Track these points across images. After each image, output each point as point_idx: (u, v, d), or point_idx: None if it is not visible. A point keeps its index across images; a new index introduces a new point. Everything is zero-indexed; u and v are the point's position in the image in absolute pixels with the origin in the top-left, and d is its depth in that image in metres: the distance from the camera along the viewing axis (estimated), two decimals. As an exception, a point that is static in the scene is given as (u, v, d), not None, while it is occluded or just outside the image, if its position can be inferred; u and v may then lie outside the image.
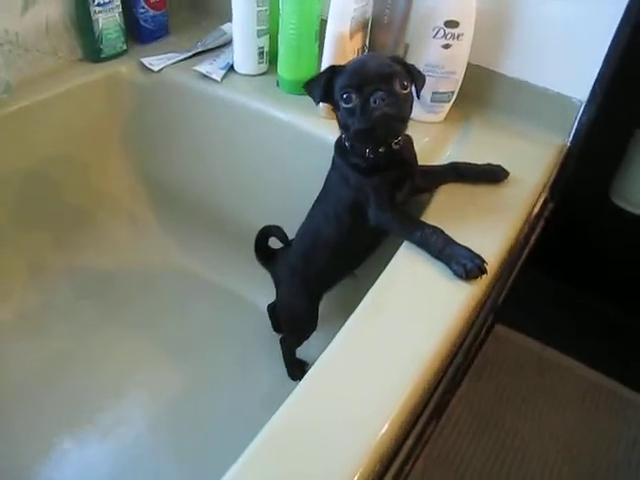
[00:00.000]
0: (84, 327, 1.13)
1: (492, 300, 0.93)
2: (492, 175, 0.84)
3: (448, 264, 0.69)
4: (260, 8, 1.02)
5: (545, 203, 0.99)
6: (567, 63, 0.92)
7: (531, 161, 0.92)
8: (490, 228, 0.78)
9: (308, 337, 0.99)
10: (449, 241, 0.70)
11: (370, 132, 0.71)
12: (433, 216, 0.78)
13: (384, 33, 0.91)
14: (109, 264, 1.24)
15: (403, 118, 0.72)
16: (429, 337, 0.63)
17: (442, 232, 0.71)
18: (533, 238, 1.03)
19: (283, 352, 1.06)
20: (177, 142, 1.19)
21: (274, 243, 1.01)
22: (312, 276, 0.91)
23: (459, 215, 0.78)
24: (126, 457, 0.96)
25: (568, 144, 0.97)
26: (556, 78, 0.94)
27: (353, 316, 0.65)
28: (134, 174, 1.26)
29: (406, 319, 0.66)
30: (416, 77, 0.74)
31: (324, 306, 0.98)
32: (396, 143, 0.74)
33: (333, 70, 0.73)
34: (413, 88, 0.74)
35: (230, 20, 1.06)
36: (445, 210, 0.80)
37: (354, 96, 0.69)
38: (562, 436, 1.21)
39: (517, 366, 1.29)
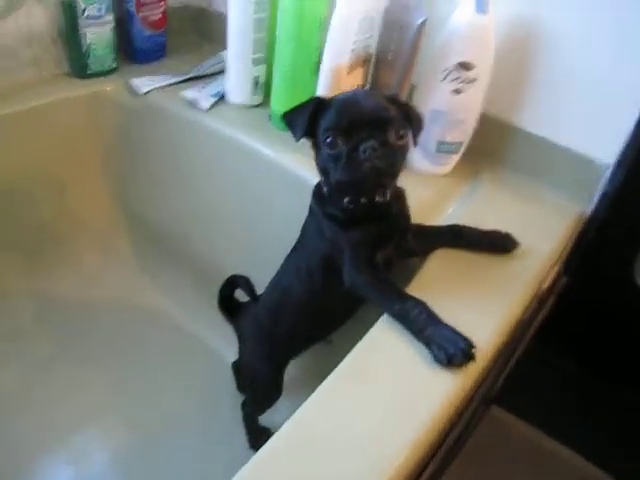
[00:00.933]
0: (39, 361, 1.04)
1: (487, 387, 0.80)
2: (498, 244, 0.72)
3: (428, 347, 0.57)
4: (257, 35, 0.93)
5: (558, 277, 0.87)
6: (594, 121, 0.81)
7: (544, 229, 0.80)
8: (489, 304, 0.66)
9: (271, 405, 0.87)
10: (432, 319, 0.58)
11: (355, 184, 0.60)
12: (421, 285, 0.66)
13: (387, 71, 0.81)
14: (75, 292, 1.15)
15: (395, 173, 0.62)
16: (409, 427, 0.52)
17: (425, 307, 0.59)
18: (541, 316, 0.91)
19: (243, 418, 0.93)
20: (158, 170, 1.10)
21: (241, 296, 0.90)
22: (279, 338, 0.80)
23: (453, 286, 0.67)
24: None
25: (589, 213, 0.86)
26: (580, 137, 0.83)
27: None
28: (113, 200, 1.18)
29: (380, 405, 0.54)
30: (415, 122, 0.63)
31: (295, 369, 0.87)
32: (381, 195, 0.63)
33: (319, 103, 0.62)
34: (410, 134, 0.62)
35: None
36: (437, 278, 0.68)
37: (340, 141, 0.59)
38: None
39: (510, 454, 1.15)
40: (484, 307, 0.65)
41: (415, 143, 0.63)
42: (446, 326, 0.57)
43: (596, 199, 0.84)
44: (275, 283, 0.79)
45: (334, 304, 0.72)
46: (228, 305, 0.90)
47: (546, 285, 0.80)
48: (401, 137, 0.59)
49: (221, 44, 1.08)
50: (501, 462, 1.15)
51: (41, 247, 1.12)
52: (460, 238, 0.71)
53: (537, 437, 1.17)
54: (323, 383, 0.56)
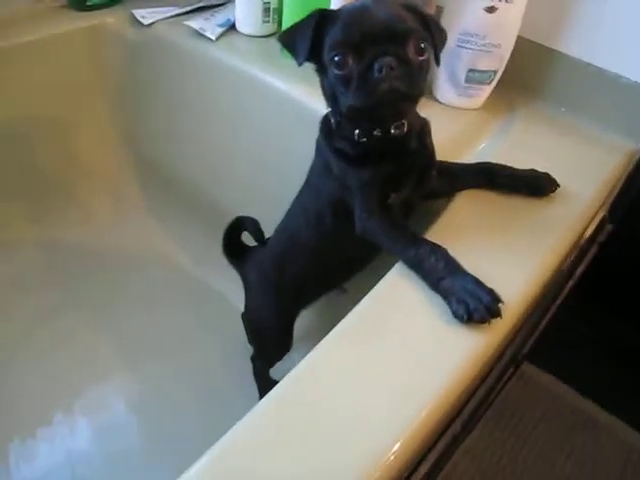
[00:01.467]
0: (45, 308, 1.00)
1: (517, 345, 0.72)
2: (534, 185, 0.62)
3: (446, 300, 0.49)
4: (268, -47, 0.83)
5: (602, 224, 0.77)
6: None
7: (589, 169, 0.70)
8: (522, 252, 0.58)
9: (280, 358, 0.81)
10: (451, 267, 0.50)
11: (369, 111, 0.51)
12: (444, 229, 0.58)
13: (411, -14, 0.70)
14: (83, 239, 1.11)
15: (416, 96, 0.52)
16: (426, 390, 0.45)
17: (445, 253, 0.51)
18: (582, 267, 0.81)
19: (254, 372, 0.88)
20: (166, 108, 1.04)
21: (250, 240, 0.83)
22: (285, 286, 0.74)
23: (481, 232, 0.59)
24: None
25: (640, 152, 0.75)
26: (634, 63, 0.71)
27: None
28: (119, 142, 1.12)
29: (391, 365, 0.47)
30: (436, 34, 0.53)
31: (307, 319, 0.82)
32: (396, 127, 0.54)
33: (322, 16, 0.52)
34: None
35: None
36: (463, 223, 0.60)
37: (351, 59, 0.49)
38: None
39: (544, 417, 1.07)
40: (516, 256, 0.57)
41: (437, 62, 0.54)
42: (468, 276, 0.50)
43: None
44: (282, 227, 0.72)
45: (345, 250, 0.65)
46: (234, 249, 0.83)
47: (589, 233, 0.71)
48: (422, 52, 0.50)
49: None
50: (531, 426, 1.08)
51: (46, 194, 1.08)
52: (491, 178, 0.62)
53: (574, 398, 1.09)
54: (326, 337, 0.49)
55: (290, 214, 0.70)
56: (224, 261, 0.85)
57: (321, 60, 0.53)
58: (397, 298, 0.52)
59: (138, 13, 0.97)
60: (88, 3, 0.98)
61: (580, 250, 0.72)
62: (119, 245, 1.11)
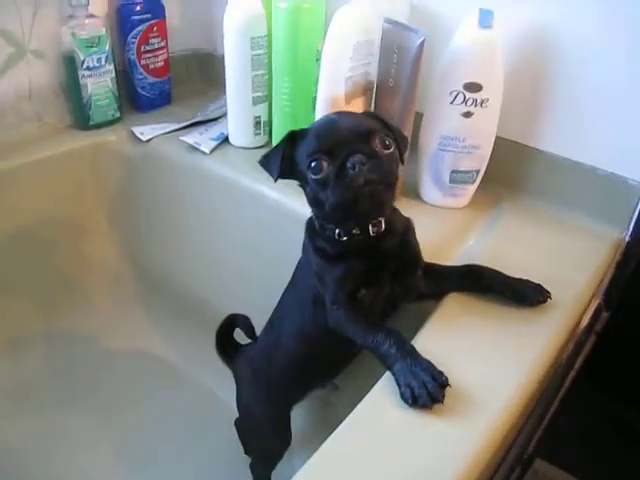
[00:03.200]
0: (49, 410, 0.99)
1: (523, 442, 0.70)
2: (522, 294, 0.61)
3: (397, 383, 0.51)
4: (256, 72, 0.89)
5: (598, 312, 0.77)
6: (623, 137, 0.73)
7: (578, 258, 0.71)
8: (517, 349, 0.57)
9: (281, 456, 0.79)
10: (404, 351, 0.52)
11: (351, 205, 0.54)
12: (432, 332, 0.59)
13: (390, 98, 0.75)
14: (86, 338, 1.10)
15: (390, 183, 0.55)
16: None
17: (398, 339, 0.53)
18: (580, 359, 0.81)
19: (254, 480, 0.85)
20: (163, 218, 1.07)
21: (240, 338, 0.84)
22: (276, 379, 0.74)
23: (472, 331, 0.59)
24: None
25: (627, 238, 0.76)
26: (608, 154, 0.75)
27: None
28: (119, 248, 1.14)
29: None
30: (397, 135, 0.57)
31: (303, 420, 0.82)
32: (374, 224, 0.57)
33: (293, 136, 0.58)
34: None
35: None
36: (452, 324, 0.60)
37: (325, 163, 0.53)
38: None
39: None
40: (510, 353, 0.57)
41: (402, 161, 0.57)
42: (418, 360, 0.51)
43: (633, 222, 0.75)
44: (269, 322, 0.75)
45: (328, 344, 0.65)
46: (227, 347, 0.85)
47: (585, 323, 0.71)
48: (387, 146, 0.54)
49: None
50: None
51: (54, 292, 1.09)
52: (479, 281, 0.62)
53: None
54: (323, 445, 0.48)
55: (277, 309, 0.73)
56: (221, 365, 0.85)
57: (297, 174, 0.58)
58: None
59: (137, 130, 1.02)
60: (91, 123, 1.03)
61: (577, 341, 0.72)
62: (118, 345, 1.11)
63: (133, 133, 1.02)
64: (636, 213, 0.74)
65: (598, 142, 0.75)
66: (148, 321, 1.13)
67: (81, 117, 1.03)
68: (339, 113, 0.58)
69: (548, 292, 0.61)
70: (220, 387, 0.99)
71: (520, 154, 0.81)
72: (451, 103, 0.73)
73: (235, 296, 0.97)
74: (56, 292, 1.09)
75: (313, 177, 0.54)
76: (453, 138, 0.75)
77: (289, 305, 0.70)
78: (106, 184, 1.07)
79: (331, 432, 0.49)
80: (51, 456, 0.92)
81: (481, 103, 0.72)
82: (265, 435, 0.80)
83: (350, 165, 0.52)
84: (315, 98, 0.80)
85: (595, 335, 0.80)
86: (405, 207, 0.63)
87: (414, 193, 0.83)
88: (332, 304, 0.58)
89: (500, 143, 0.78)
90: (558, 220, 0.78)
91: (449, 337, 0.57)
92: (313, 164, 0.54)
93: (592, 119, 0.75)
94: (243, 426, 0.84)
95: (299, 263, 0.68)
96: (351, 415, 0.50)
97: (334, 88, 0.71)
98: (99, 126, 1.04)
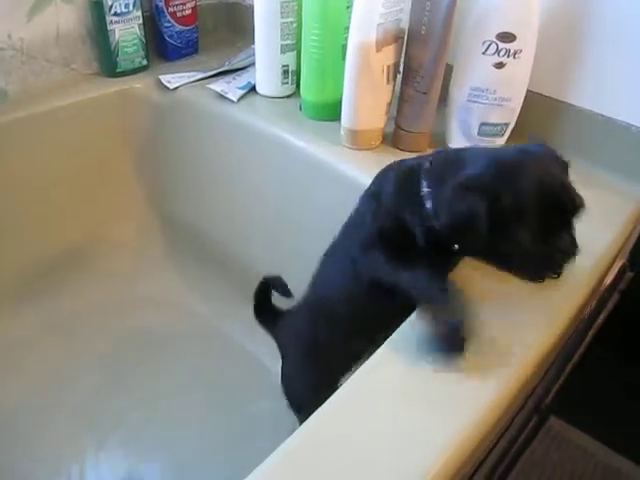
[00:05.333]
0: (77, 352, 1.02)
1: (538, 395, 0.71)
2: None
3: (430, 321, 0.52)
4: (285, 20, 0.88)
5: (621, 272, 0.77)
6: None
7: (604, 217, 0.70)
8: (540, 303, 0.57)
9: None
10: (442, 290, 0.52)
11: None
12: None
13: (421, 47, 0.73)
14: (110, 295, 1.12)
15: None
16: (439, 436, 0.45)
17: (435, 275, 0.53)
18: (602, 316, 0.80)
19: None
20: (191, 168, 1.07)
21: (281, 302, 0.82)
22: (321, 349, 0.71)
23: (496, 284, 0.58)
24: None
25: (656, 197, 0.75)
26: (643, 111, 0.73)
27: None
28: (145, 201, 1.15)
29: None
30: None
31: None
32: None
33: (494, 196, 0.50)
34: None
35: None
36: (474, 276, 0.60)
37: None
38: None
39: (573, 476, 1.03)
40: (532, 306, 0.57)
41: None
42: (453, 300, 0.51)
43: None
44: (310, 289, 0.71)
45: (368, 299, 0.62)
46: (265, 312, 0.82)
47: (608, 281, 0.71)
48: None
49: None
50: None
51: (79, 238, 1.11)
52: None
53: (604, 455, 1.05)
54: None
55: (323, 265, 0.68)
56: (251, 318, 0.83)
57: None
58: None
59: (164, 78, 1.02)
60: (118, 70, 1.03)
61: (600, 299, 0.72)
62: (144, 299, 1.12)
63: (160, 81, 1.02)
64: (668, 171, 0.73)
65: (632, 98, 0.73)
66: (173, 269, 1.15)
67: (108, 64, 1.03)
68: (537, 158, 0.57)
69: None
70: (249, 339, 1.01)
71: (551, 108, 0.80)
72: (483, 53, 0.71)
73: (261, 246, 0.98)
74: (82, 238, 1.11)
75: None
76: (484, 90, 0.74)
77: (329, 271, 0.67)
78: (133, 132, 1.08)
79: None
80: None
81: (514, 54, 0.71)
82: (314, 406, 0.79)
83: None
84: (344, 46, 0.79)
85: (619, 294, 0.80)
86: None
87: (442, 145, 0.82)
88: (363, 249, 0.57)
89: (531, 96, 0.76)
90: (586, 176, 0.76)
91: (472, 285, 0.57)
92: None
93: (629, 74, 0.73)
94: (288, 396, 0.81)
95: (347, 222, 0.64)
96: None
97: (365, 35, 0.70)
98: (126, 74, 1.04)
